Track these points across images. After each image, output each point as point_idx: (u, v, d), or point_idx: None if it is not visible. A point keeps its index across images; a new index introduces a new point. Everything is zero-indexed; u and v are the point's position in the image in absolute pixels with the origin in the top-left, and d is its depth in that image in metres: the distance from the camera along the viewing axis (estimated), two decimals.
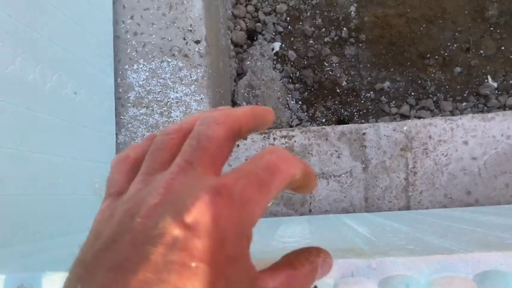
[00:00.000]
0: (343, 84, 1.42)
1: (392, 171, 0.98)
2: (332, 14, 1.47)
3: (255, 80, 1.38)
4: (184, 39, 1.06)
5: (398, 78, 1.42)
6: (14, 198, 0.67)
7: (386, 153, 0.99)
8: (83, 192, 0.87)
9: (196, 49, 1.06)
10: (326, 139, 1.00)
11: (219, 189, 0.21)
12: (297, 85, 1.45)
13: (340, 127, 1.01)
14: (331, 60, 1.44)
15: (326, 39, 1.46)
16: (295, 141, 1.01)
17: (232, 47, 1.44)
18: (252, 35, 1.50)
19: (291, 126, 1.41)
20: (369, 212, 0.98)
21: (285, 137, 1.01)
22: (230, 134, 0.24)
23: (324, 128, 1.01)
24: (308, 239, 0.49)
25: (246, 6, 1.50)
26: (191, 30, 1.07)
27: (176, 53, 1.06)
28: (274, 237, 0.54)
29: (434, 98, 1.40)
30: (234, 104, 1.36)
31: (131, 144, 1.04)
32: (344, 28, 1.45)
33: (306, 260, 0.27)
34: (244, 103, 1.37)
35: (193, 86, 1.05)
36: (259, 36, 1.49)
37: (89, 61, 0.94)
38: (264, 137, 1.02)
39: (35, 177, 0.72)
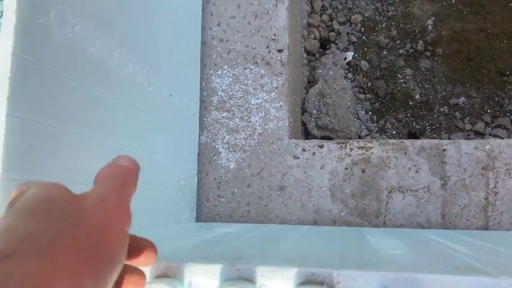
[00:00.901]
0: (416, 97, 1.41)
1: (471, 190, 0.97)
2: (408, 26, 1.47)
3: (326, 89, 1.40)
4: (268, 47, 1.10)
5: (474, 95, 1.39)
6: None
7: (466, 171, 0.98)
8: (172, 188, 0.93)
9: (279, 58, 1.10)
10: (405, 153, 1.00)
11: None
12: (368, 95, 1.45)
13: (419, 142, 1.01)
14: (405, 72, 1.44)
15: (400, 51, 1.46)
16: (372, 152, 1.02)
17: (305, 55, 1.47)
18: (324, 44, 1.52)
19: (359, 137, 1.42)
20: (445, 229, 0.97)
21: (362, 148, 1.02)
22: None
23: (403, 142, 1.01)
24: (414, 253, 0.51)
25: (320, 15, 1.52)
26: (274, 39, 1.10)
27: (259, 60, 1.10)
28: (371, 247, 0.56)
29: (511, 117, 1.36)
30: (304, 111, 1.39)
31: (212, 145, 1.10)
32: (420, 41, 1.44)
33: None
34: (315, 111, 1.39)
35: (273, 93, 1.08)
36: (332, 45, 1.50)
37: (180, 65, 1.00)
38: (341, 146, 1.03)
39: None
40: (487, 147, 0.98)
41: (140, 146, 0.78)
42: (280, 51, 1.10)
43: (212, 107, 1.11)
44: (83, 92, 0.62)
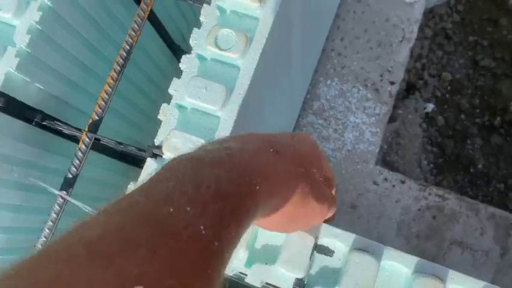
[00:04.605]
0: (478, 166, 1.48)
1: None
2: (491, 100, 1.54)
3: (402, 130, 1.47)
4: (381, 76, 1.17)
5: None
6: None
7: None
8: None
9: (389, 89, 1.16)
10: (476, 214, 1.07)
11: None
12: (435, 149, 1.52)
13: (492, 209, 1.07)
14: (475, 140, 1.51)
15: (477, 120, 1.53)
16: (447, 203, 1.08)
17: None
18: (409, 88, 1.59)
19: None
20: None
21: (440, 196, 1.09)
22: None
23: (478, 204, 1.08)
24: None
25: (415, 61, 1.59)
26: (390, 71, 1.17)
27: (369, 84, 1.17)
28: None
29: None
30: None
31: None
32: (499, 118, 1.52)
33: None
34: (385, 146, 1.45)
35: (373, 119, 1.15)
36: (417, 92, 1.57)
37: (301, 64, 1.06)
38: (421, 188, 1.10)
39: None
40: None
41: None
42: (392, 83, 1.17)
43: (311, 111, 1.17)
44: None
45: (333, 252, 0.48)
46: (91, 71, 0.73)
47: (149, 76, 0.92)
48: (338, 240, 0.48)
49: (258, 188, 0.27)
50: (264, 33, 0.54)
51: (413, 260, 0.46)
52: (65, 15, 0.62)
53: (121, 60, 0.64)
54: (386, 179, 1.11)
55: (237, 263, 0.48)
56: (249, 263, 0.48)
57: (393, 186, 1.10)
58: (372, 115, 1.15)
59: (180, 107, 0.54)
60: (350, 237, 0.47)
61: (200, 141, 0.50)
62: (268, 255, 0.49)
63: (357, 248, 0.47)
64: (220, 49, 0.52)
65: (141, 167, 1.09)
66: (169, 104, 0.54)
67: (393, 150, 1.45)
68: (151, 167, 0.51)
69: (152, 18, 0.89)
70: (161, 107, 0.53)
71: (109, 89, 0.64)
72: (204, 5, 0.56)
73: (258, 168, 0.28)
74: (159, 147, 0.51)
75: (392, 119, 1.52)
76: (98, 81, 0.76)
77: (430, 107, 1.58)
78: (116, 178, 0.93)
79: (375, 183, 1.11)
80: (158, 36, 0.93)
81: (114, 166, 0.87)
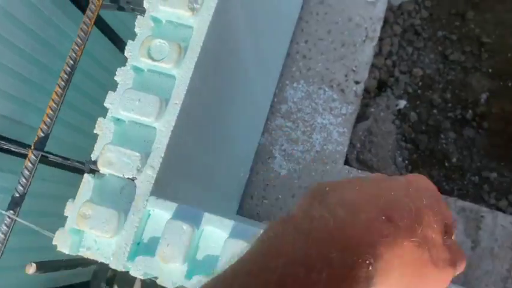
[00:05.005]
0: (453, 160, 1.49)
1: (497, 259, 1.04)
2: (462, 93, 1.55)
3: (374, 128, 1.47)
4: (346, 76, 1.17)
5: (505, 174, 1.47)
6: None
7: (497, 241, 1.05)
8: (233, 175, 0.98)
9: (354, 88, 1.16)
10: None
11: None
12: (409, 145, 1.52)
13: (461, 202, 1.08)
14: (448, 134, 1.52)
15: (449, 114, 1.54)
16: None
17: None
18: (381, 86, 1.60)
19: None
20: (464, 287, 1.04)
21: None
22: None
23: (447, 198, 1.08)
24: None
25: (385, 59, 1.60)
26: (354, 71, 1.17)
27: (334, 85, 1.17)
28: None
29: None
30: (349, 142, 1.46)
31: (269, 148, 1.15)
32: (470, 111, 1.53)
33: None
34: (359, 144, 1.46)
35: (340, 119, 1.15)
36: (388, 89, 1.58)
37: (262, 68, 1.06)
38: None
39: None
40: None
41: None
42: (357, 82, 1.17)
43: (279, 114, 1.17)
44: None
45: None
46: (40, 86, 0.72)
47: (108, 88, 0.92)
48: None
49: (371, 269, 0.26)
50: (198, 41, 0.54)
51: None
52: (2, 32, 0.61)
53: (65, 76, 0.64)
54: None
55: (176, 275, 0.48)
56: (190, 275, 0.48)
57: None
58: (339, 115, 1.15)
59: (117, 120, 0.53)
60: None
61: (135, 155, 0.49)
62: (208, 266, 0.48)
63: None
64: (153, 60, 0.52)
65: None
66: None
67: (366, 149, 1.46)
68: (88, 184, 0.50)
69: (107, 32, 0.89)
70: (98, 121, 0.53)
71: (54, 105, 0.63)
72: (138, 16, 0.55)
73: (371, 246, 0.27)
74: (96, 162, 0.51)
75: (364, 117, 1.52)
76: (49, 96, 0.76)
77: (402, 103, 1.59)
78: (68, 190, 0.92)
79: None
80: (115, 47, 0.93)
81: (66, 178, 0.86)
